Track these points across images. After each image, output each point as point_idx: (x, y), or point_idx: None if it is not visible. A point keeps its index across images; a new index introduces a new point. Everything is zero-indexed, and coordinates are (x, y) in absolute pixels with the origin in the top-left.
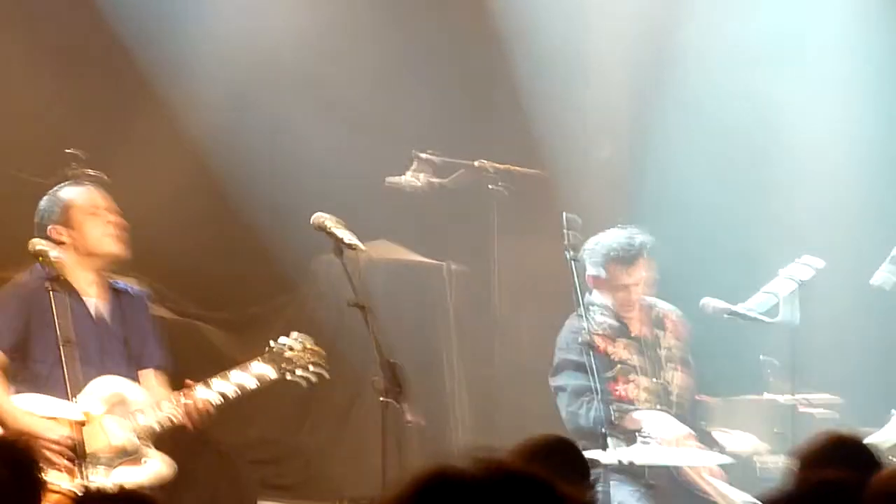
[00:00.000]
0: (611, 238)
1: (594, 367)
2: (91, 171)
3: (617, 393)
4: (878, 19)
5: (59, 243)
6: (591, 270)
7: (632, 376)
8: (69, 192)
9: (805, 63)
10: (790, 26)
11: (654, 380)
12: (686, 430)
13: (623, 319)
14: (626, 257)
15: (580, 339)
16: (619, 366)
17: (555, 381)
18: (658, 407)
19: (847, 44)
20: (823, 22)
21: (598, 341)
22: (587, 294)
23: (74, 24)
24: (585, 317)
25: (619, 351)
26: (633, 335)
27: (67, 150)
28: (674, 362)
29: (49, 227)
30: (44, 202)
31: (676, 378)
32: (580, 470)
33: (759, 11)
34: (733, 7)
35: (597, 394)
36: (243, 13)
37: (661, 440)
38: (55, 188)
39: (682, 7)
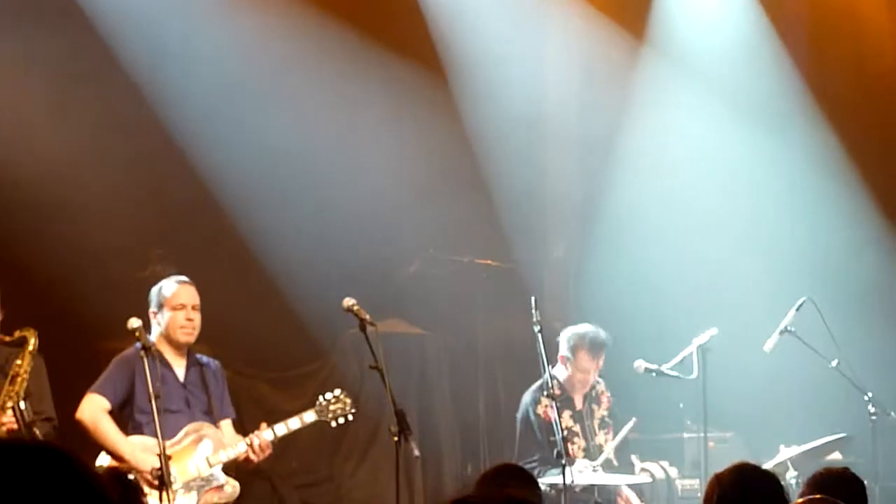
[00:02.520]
0: (584, 330)
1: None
2: (176, 274)
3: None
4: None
5: (157, 324)
6: (563, 351)
7: (574, 439)
8: (168, 287)
9: (723, 174)
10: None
11: (588, 442)
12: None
13: (571, 395)
14: (594, 349)
15: (538, 413)
16: (565, 432)
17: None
18: (591, 465)
19: (753, 154)
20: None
21: (550, 413)
22: (551, 367)
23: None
24: (547, 387)
25: (565, 420)
26: (576, 409)
27: (157, 251)
28: (603, 428)
29: (151, 310)
30: (154, 290)
31: (604, 439)
32: (536, 490)
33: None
34: (668, 121)
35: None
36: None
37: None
38: (165, 279)
39: (621, 129)
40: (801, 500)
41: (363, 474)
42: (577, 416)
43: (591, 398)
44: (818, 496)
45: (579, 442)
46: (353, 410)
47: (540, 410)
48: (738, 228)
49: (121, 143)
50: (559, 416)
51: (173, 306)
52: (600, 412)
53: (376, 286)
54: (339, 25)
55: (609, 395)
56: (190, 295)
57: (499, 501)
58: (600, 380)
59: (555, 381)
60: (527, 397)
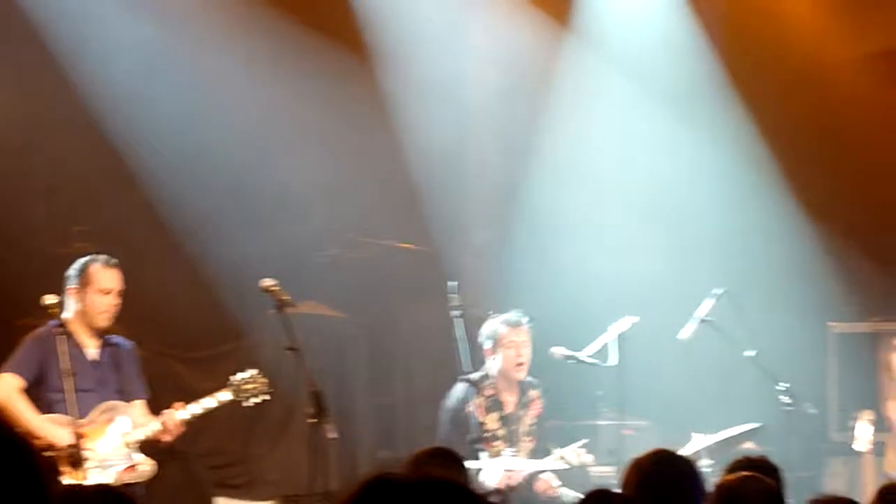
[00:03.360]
0: (498, 318)
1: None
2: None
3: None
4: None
5: (75, 303)
6: (486, 345)
7: (495, 442)
8: (95, 269)
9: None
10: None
11: (510, 448)
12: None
13: (500, 398)
14: (514, 321)
15: (464, 406)
16: (487, 434)
17: (445, 410)
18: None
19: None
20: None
21: (476, 409)
22: (483, 364)
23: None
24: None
25: (491, 423)
26: (505, 412)
27: (78, 228)
28: (529, 435)
29: (70, 287)
30: (76, 267)
31: (526, 447)
32: (464, 473)
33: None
34: (591, 109)
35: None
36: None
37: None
38: (88, 258)
39: (542, 116)
40: (731, 475)
41: (278, 455)
42: (505, 420)
43: (523, 403)
44: (748, 473)
45: (500, 445)
46: (268, 390)
47: (471, 408)
48: (659, 218)
49: (40, 120)
50: (487, 416)
51: (99, 289)
52: (529, 419)
53: (295, 268)
54: (260, 4)
55: (542, 402)
56: (116, 280)
57: (422, 478)
58: (537, 383)
59: (488, 380)
60: (459, 391)
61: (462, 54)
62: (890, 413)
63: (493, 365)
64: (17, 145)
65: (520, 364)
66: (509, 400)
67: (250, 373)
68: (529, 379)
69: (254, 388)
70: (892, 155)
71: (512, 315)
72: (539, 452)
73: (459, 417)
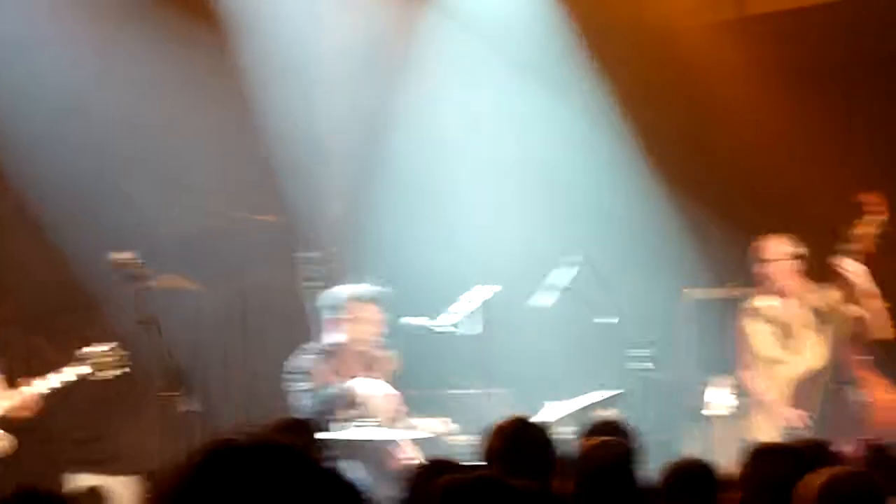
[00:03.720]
0: (351, 287)
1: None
2: None
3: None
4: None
5: None
6: (328, 315)
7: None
8: None
9: (504, 132)
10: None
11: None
12: (394, 393)
13: (347, 361)
14: (364, 296)
15: (308, 369)
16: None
17: (292, 381)
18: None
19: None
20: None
21: (321, 373)
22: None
23: None
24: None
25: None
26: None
27: None
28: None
29: None
30: None
31: (393, 397)
32: (320, 443)
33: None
34: (448, 79)
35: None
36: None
37: (370, 398)
38: None
39: (401, 86)
40: (589, 440)
41: (136, 430)
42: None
43: (377, 366)
44: (605, 439)
45: (353, 411)
46: (126, 364)
47: (317, 375)
48: (519, 186)
49: None
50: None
51: None
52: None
53: (151, 240)
54: None
55: (395, 364)
56: None
57: (262, 442)
58: (384, 343)
59: (333, 347)
60: (301, 355)
61: (316, 25)
62: (745, 379)
63: (337, 336)
64: None
65: (366, 340)
66: (357, 366)
67: (109, 346)
68: (379, 342)
69: (111, 361)
70: (746, 123)
71: (361, 288)
72: (399, 421)
73: (306, 380)
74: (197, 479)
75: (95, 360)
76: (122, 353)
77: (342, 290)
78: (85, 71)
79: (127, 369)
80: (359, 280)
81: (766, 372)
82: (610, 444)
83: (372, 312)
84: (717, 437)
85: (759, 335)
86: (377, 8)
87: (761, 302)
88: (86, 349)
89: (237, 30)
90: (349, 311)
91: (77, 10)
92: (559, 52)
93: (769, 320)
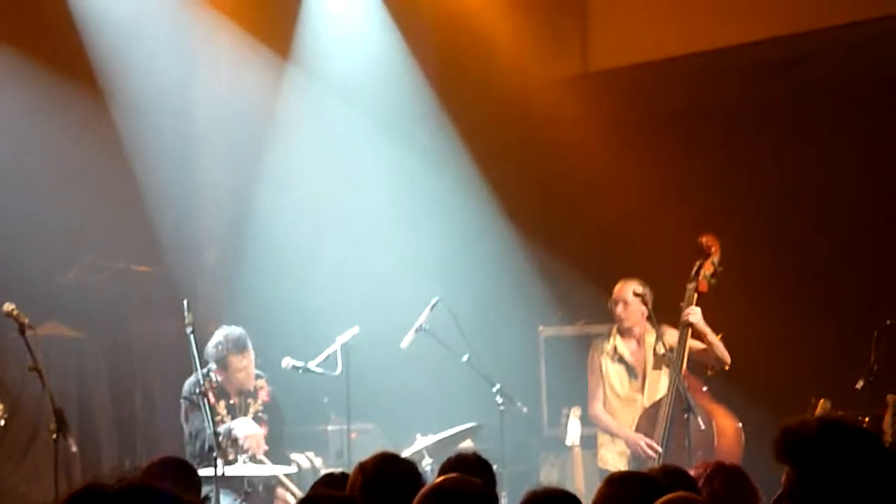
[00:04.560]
0: (221, 336)
1: (208, 411)
2: None
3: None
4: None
5: None
6: (213, 363)
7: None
8: None
9: (365, 183)
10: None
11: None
12: (258, 429)
13: (226, 389)
14: (238, 347)
15: (198, 391)
16: (219, 416)
17: (185, 422)
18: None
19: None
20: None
21: (211, 396)
22: (204, 367)
23: None
24: (200, 378)
25: (220, 409)
26: (230, 402)
27: None
28: (257, 421)
29: None
30: None
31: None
32: (195, 481)
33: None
34: (313, 133)
35: (209, 426)
36: None
37: (248, 437)
38: None
39: (269, 141)
40: (441, 477)
41: (24, 471)
42: (230, 409)
43: (248, 392)
44: (455, 475)
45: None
46: (4, 415)
47: (204, 392)
48: (378, 234)
49: None
50: (217, 402)
51: None
52: (255, 406)
53: (35, 291)
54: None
55: (269, 390)
56: None
57: (125, 486)
58: (261, 374)
59: (212, 379)
60: (191, 380)
61: (190, 83)
62: (597, 412)
63: (219, 375)
64: None
65: (248, 381)
66: (230, 390)
67: None
68: (254, 371)
69: None
70: (594, 171)
71: (237, 337)
72: (277, 458)
73: (195, 401)
74: None
75: None
76: (1, 405)
77: (223, 341)
78: None
79: (3, 420)
80: (235, 324)
81: (618, 405)
82: (460, 480)
83: (247, 364)
84: (574, 466)
85: (612, 374)
86: (247, 71)
87: (615, 342)
88: None
89: (114, 87)
90: (231, 363)
91: None
92: (418, 109)
93: (621, 360)
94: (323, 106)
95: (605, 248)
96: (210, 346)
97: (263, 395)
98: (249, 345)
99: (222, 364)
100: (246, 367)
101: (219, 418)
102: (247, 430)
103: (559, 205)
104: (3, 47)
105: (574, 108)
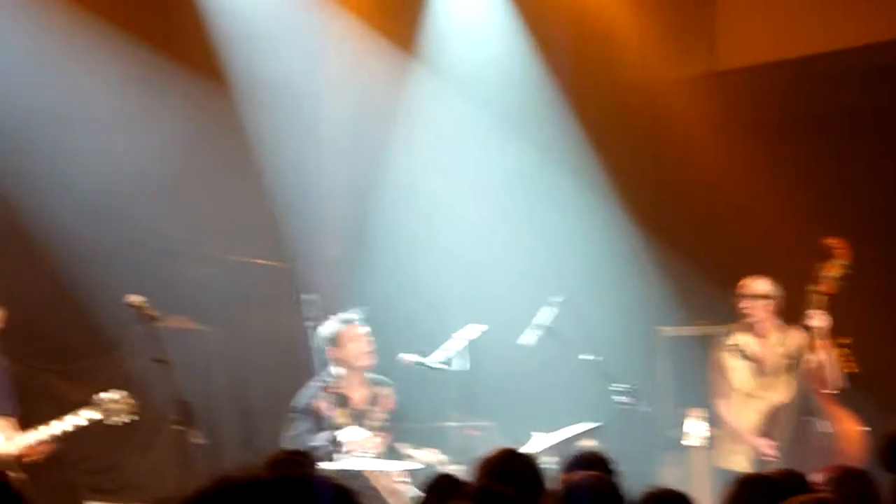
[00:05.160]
0: (334, 320)
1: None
2: None
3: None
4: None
5: None
6: (327, 345)
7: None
8: None
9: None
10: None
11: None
12: (365, 435)
13: (347, 394)
14: (348, 318)
15: (312, 404)
16: (335, 429)
17: (289, 427)
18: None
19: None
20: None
21: (324, 407)
22: (328, 365)
23: None
24: (322, 380)
25: (338, 417)
26: (352, 408)
27: None
28: (381, 431)
29: None
30: None
31: (380, 442)
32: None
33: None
34: (437, 130)
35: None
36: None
37: (351, 442)
38: None
39: (392, 137)
40: (575, 474)
41: (149, 461)
42: (354, 415)
43: (372, 399)
44: (591, 472)
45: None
46: (135, 411)
47: (314, 404)
48: (500, 231)
49: None
50: (335, 413)
51: None
52: (379, 414)
53: (161, 284)
54: (136, 42)
55: (394, 399)
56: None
57: (257, 478)
58: (388, 381)
59: (334, 381)
60: (307, 391)
61: (316, 82)
62: (721, 410)
63: (338, 364)
64: None
65: (368, 353)
66: (357, 396)
67: (119, 394)
68: (379, 377)
69: (121, 409)
70: (717, 170)
71: (344, 314)
72: (392, 453)
73: (303, 413)
74: None
75: (107, 406)
76: (131, 401)
77: (332, 322)
78: (107, 128)
79: (135, 416)
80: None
81: (740, 404)
82: (594, 477)
83: (362, 332)
84: (694, 466)
85: (737, 370)
86: (372, 66)
87: (739, 339)
88: (100, 395)
89: (244, 89)
90: (344, 337)
91: (107, 81)
92: (543, 106)
93: (746, 356)
94: (446, 102)
95: (727, 249)
96: (322, 328)
97: (389, 403)
98: (357, 319)
99: (335, 341)
100: (359, 337)
101: (335, 429)
102: (352, 436)
103: (681, 204)
104: (139, 46)
105: (700, 106)
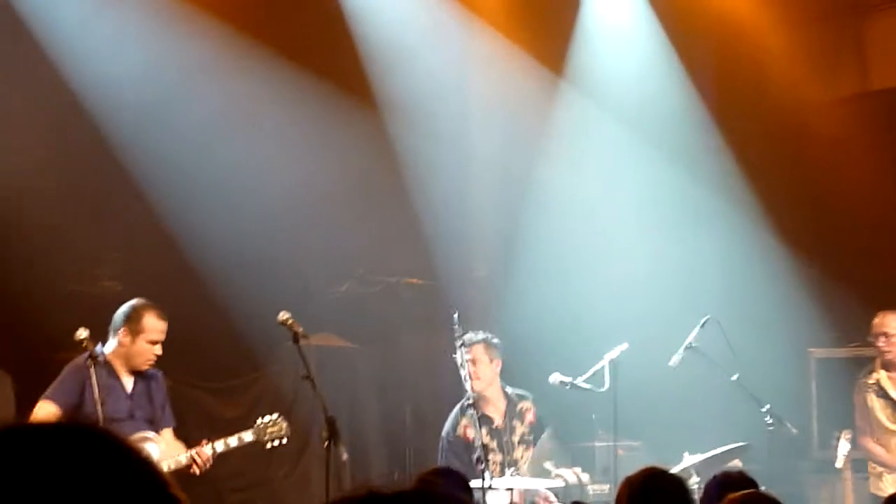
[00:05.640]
0: (478, 337)
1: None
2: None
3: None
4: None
5: (120, 344)
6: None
7: (490, 455)
8: (148, 320)
9: (634, 200)
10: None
11: (504, 457)
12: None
13: (487, 414)
14: (467, 340)
15: (458, 432)
16: (481, 450)
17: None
18: (506, 472)
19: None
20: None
21: (469, 432)
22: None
23: None
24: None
25: (485, 437)
26: (493, 426)
27: (105, 270)
28: (523, 444)
29: (117, 328)
30: (126, 310)
31: (523, 453)
32: (468, 491)
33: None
34: (584, 151)
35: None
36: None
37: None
38: (139, 302)
39: (540, 159)
40: (737, 494)
41: (296, 477)
42: (495, 433)
43: (514, 414)
44: (753, 491)
45: (495, 457)
46: (287, 434)
47: (460, 431)
48: (646, 250)
49: (69, 168)
50: (480, 434)
51: (149, 340)
52: (522, 428)
53: (310, 302)
54: (285, 60)
55: (535, 412)
56: (164, 330)
57: (417, 493)
58: (527, 395)
59: (474, 400)
60: (448, 423)
61: (464, 102)
62: (868, 446)
63: (474, 385)
64: (49, 191)
65: (467, 380)
66: (495, 414)
67: (273, 417)
68: (520, 391)
69: (275, 432)
70: (864, 192)
71: (468, 335)
72: (539, 471)
73: (452, 443)
74: None
75: (262, 429)
76: (285, 424)
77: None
78: (263, 156)
79: (286, 440)
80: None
81: (884, 440)
82: (758, 496)
83: (471, 358)
84: (845, 490)
85: (877, 409)
86: (520, 87)
87: (878, 376)
88: (258, 420)
89: (396, 113)
90: (461, 360)
91: (259, 97)
92: (690, 127)
93: (885, 395)
94: (594, 122)
95: (880, 271)
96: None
97: (530, 417)
98: (468, 343)
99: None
100: (469, 361)
101: (483, 449)
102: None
103: (832, 223)
104: (290, 65)
105: (850, 126)
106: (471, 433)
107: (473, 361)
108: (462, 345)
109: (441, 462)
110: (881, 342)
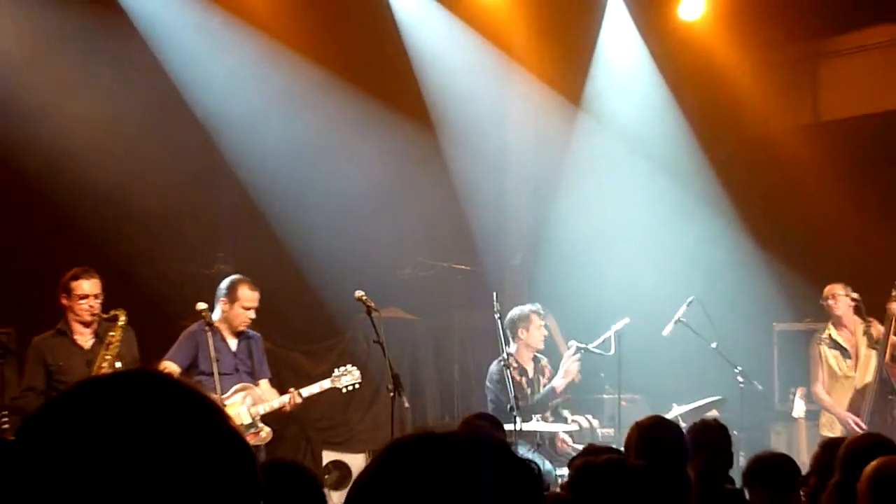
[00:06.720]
0: (529, 308)
1: (510, 383)
2: (234, 272)
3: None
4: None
5: (222, 311)
6: (519, 324)
7: (528, 391)
8: (243, 291)
9: (638, 205)
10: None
11: (534, 394)
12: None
13: (524, 365)
14: (539, 310)
15: (499, 377)
16: (519, 393)
17: (488, 392)
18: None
19: (661, 191)
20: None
21: (515, 375)
22: (508, 346)
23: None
24: (506, 360)
25: (523, 384)
26: (529, 376)
27: (219, 254)
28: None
29: (221, 298)
30: (227, 284)
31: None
32: (502, 431)
33: (613, 169)
34: (599, 165)
35: (510, 401)
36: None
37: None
38: (235, 277)
39: (564, 170)
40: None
41: (368, 421)
42: (529, 382)
43: (538, 370)
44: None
45: (530, 394)
46: (359, 381)
47: (508, 374)
48: (649, 247)
49: (183, 164)
50: (517, 382)
51: (243, 306)
52: (544, 380)
53: (380, 282)
54: (360, 89)
55: (550, 369)
56: (256, 298)
57: (462, 433)
58: (542, 357)
59: (511, 358)
60: (498, 365)
61: (503, 124)
62: (818, 393)
63: (518, 342)
64: (180, 186)
65: (542, 338)
66: (529, 368)
67: (348, 367)
68: (538, 354)
69: (349, 379)
70: (816, 200)
71: (536, 306)
72: (558, 417)
73: (502, 381)
74: (394, 464)
75: (340, 376)
76: (357, 372)
77: (525, 308)
78: (343, 161)
79: (358, 385)
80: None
81: (833, 386)
82: (709, 436)
83: (545, 322)
84: (799, 434)
85: (829, 357)
86: (547, 114)
87: (830, 331)
88: (334, 370)
89: (446, 129)
90: (533, 322)
91: (341, 121)
92: (679, 148)
93: (836, 345)
94: (604, 142)
95: (829, 260)
96: (514, 311)
97: (548, 373)
98: (539, 312)
99: (525, 322)
100: (540, 325)
101: (521, 393)
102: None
103: (792, 224)
104: (365, 95)
105: (806, 148)
106: (514, 376)
107: (545, 326)
108: (540, 316)
109: (491, 395)
110: (830, 302)
